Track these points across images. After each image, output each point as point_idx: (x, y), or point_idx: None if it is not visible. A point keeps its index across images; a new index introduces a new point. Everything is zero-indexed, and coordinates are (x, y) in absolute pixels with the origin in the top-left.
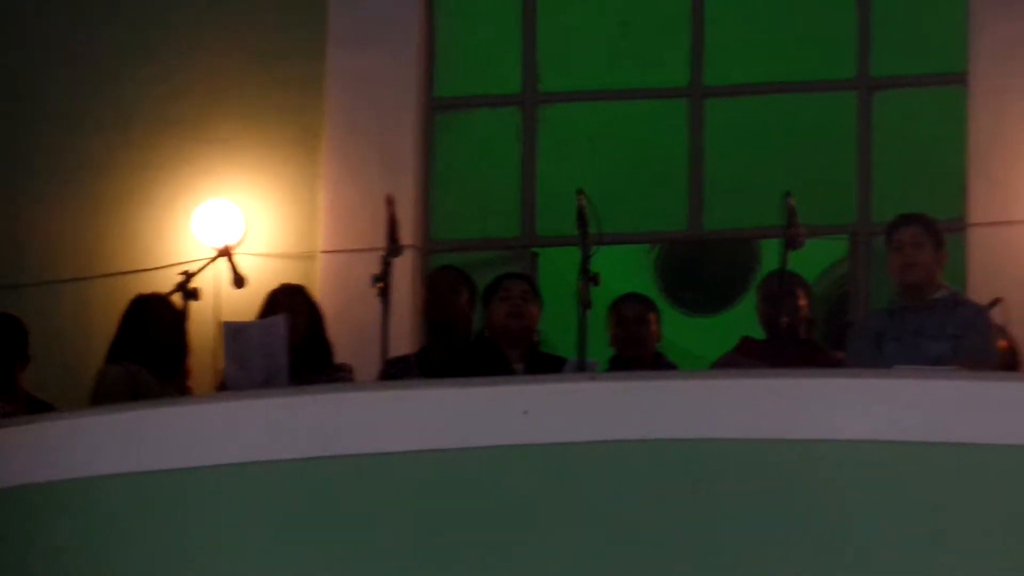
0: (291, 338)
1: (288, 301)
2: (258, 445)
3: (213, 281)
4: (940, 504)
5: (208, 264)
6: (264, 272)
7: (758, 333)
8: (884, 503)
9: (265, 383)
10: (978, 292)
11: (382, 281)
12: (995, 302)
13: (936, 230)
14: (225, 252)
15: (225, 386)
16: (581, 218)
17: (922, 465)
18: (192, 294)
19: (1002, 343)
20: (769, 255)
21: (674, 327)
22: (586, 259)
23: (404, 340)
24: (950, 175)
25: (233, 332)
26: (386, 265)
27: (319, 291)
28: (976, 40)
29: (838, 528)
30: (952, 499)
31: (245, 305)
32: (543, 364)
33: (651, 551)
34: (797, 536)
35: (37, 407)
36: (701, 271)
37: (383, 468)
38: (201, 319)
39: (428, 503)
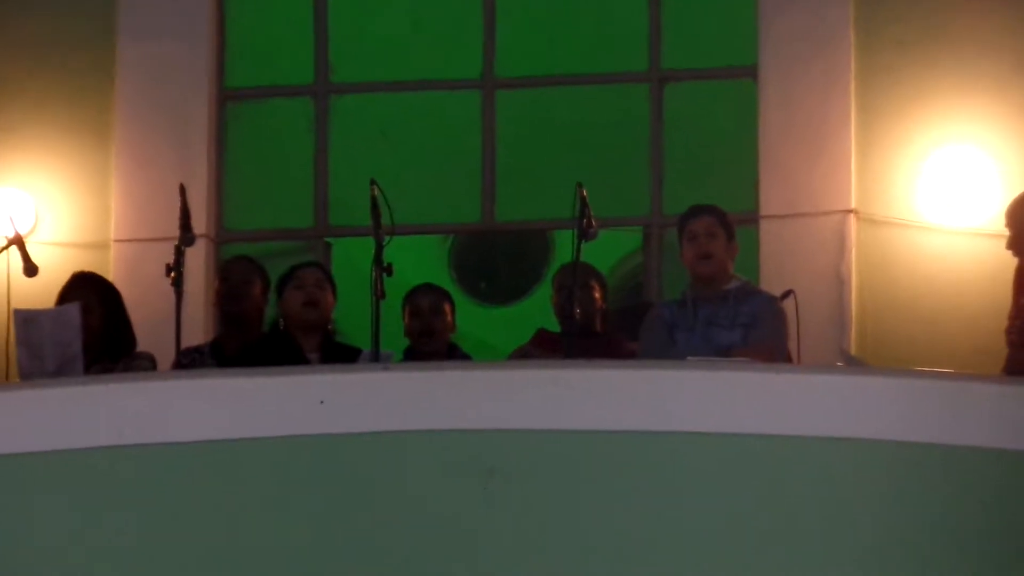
0: (86, 327)
1: (84, 289)
2: (49, 434)
3: (5, 270)
4: (726, 495)
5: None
6: (56, 261)
7: (553, 324)
8: (680, 495)
9: (58, 372)
10: (770, 284)
11: (175, 271)
12: (787, 294)
13: (728, 222)
14: (16, 240)
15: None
16: (374, 208)
17: (717, 456)
18: None
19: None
20: (563, 246)
21: (469, 318)
22: (379, 249)
23: (198, 330)
24: (741, 167)
25: (24, 320)
26: (179, 254)
27: (112, 280)
28: (765, 33)
29: (634, 521)
30: (737, 490)
31: (37, 294)
32: (338, 354)
33: (441, 541)
34: (592, 528)
35: None
36: (495, 262)
37: (176, 458)
38: None
39: (222, 493)
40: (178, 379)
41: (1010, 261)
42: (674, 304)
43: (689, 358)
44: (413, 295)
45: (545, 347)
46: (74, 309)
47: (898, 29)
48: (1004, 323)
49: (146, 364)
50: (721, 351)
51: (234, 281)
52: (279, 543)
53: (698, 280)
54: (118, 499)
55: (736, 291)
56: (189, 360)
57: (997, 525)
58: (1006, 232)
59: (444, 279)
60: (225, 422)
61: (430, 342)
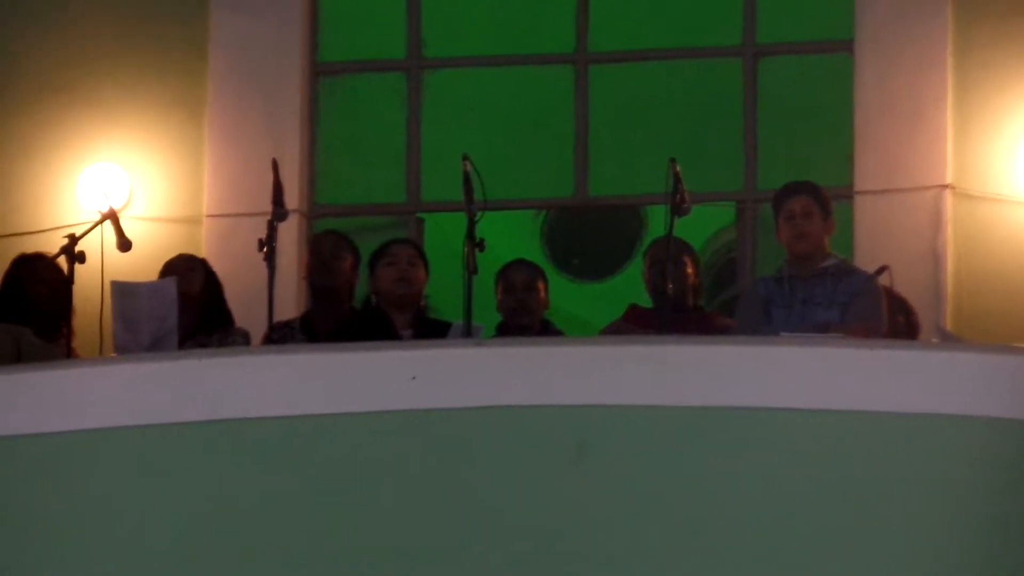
0: (186, 301)
1: (184, 268)
2: (143, 409)
3: (99, 245)
4: (832, 471)
5: (93, 227)
6: (150, 236)
7: (645, 300)
8: (774, 470)
9: (152, 346)
10: (865, 259)
11: (267, 246)
12: (881, 270)
13: (825, 199)
14: (111, 215)
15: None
16: (467, 184)
17: (813, 432)
18: (78, 257)
19: (900, 317)
20: (655, 221)
21: (561, 293)
22: (472, 225)
23: (290, 305)
24: (836, 143)
25: (121, 292)
26: (271, 229)
27: (204, 255)
28: (862, 7)
29: (728, 496)
30: (844, 466)
31: (131, 269)
32: (430, 330)
33: (533, 517)
34: (686, 504)
35: None
36: (587, 237)
37: (269, 433)
38: (87, 283)
39: (315, 468)
40: (269, 354)
41: None
42: (771, 280)
43: (783, 334)
44: (506, 271)
45: (638, 323)
46: (171, 283)
47: (997, 3)
48: None
49: (240, 340)
50: (818, 329)
51: (324, 255)
52: (370, 516)
53: (794, 259)
54: (211, 474)
55: (833, 269)
56: (279, 335)
57: None
58: None
59: (536, 254)
60: (317, 397)
61: (523, 318)
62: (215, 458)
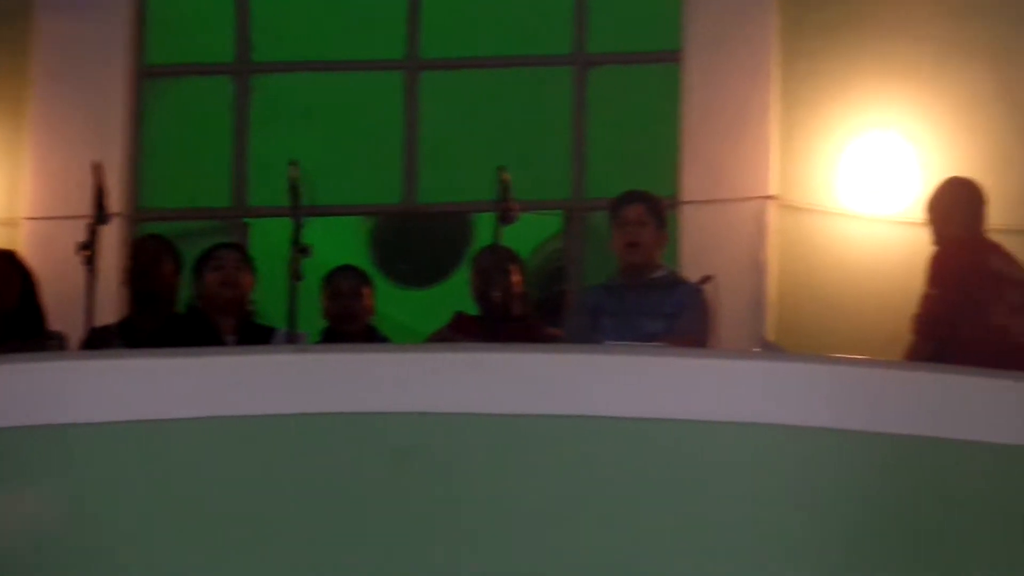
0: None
1: (2, 265)
2: None
3: None
4: (656, 479)
5: None
6: None
7: (472, 308)
8: (598, 478)
9: None
10: (689, 269)
11: (88, 249)
12: (705, 279)
13: (659, 209)
14: None
15: None
16: (293, 189)
17: (637, 440)
18: None
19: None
20: (483, 229)
21: (388, 300)
22: (298, 230)
23: (112, 310)
24: (663, 152)
25: None
26: (92, 233)
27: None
28: (690, 18)
29: (552, 504)
30: (669, 474)
31: None
32: (255, 335)
33: (354, 523)
34: (510, 512)
35: None
36: (415, 244)
37: (87, 438)
38: None
39: (136, 474)
40: (87, 359)
41: (924, 247)
42: (601, 289)
43: (608, 343)
44: (332, 277)
45: (463, 331)
46: None
47: (822, 15)
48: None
49: (56, 344)
50: (646, 339)
51: (143, 259)
52: (191, 524)
53: (625, 268)
54: (24, 481)
55: (662, 280)
56: (98, 339)
57: (908, 509)
58: (925, 219)
59: (363, 261)
60: (138, 403)
61: (348, 324)
62: (28, 465)
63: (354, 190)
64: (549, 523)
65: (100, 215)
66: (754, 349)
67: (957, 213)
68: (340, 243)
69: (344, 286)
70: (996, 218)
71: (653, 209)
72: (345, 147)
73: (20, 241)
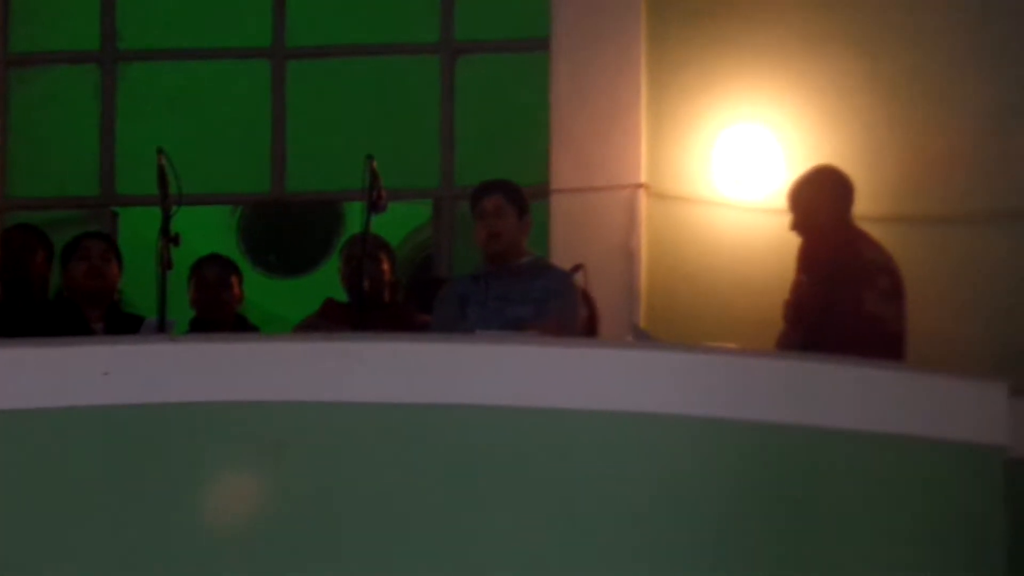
0: None
1: None
2: None
3: None
4: (524, 469)
5: None
6: None
7: (342, 296)
8: (467, 468)
9: None
10: (560, 257)
11: None
12: (576, 268)
13: (520, 196)
14: None
15: None
16: (161, 178)
17: (505, 429)
18: None
19: (583, 312)
20: (353, 218)
21: (257, 289)
22: (166, 219)
23: None
24: (533, 140)
25: None
26: None
27: None
28: (558, 6)
29: (420, 494)
30: (536, 464)
31: None
32: (124, 324)
33: (228, 516)
34: (374, 501)
35: None
36: (284, 233)
37: None
38: None
39: (3, 463)
40: None
41: (793, 235)
42: (468, 279)
43: (479, 331)
44: (199, 266)
45: (333, 318)
46: None
47: (689, 3)
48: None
49: None
50: (513, 325)
51: (14, 249)
52: (59, 517)
53: (488, 257)
54: None
55: (529, 266)
56: None
57: (777, 498)
58: (788, 208)
59: (232, 250)
60: (5, 392)
61: (216, 313)
62: None
63: (223, 179)
64: (414, 512)
65: None
66: (626, 337)
67: (823, 201)
68: (209, 232)
69: (211, 275)
70: (865, 207)
71: (512, 198)
72: (213, 135)
73: None
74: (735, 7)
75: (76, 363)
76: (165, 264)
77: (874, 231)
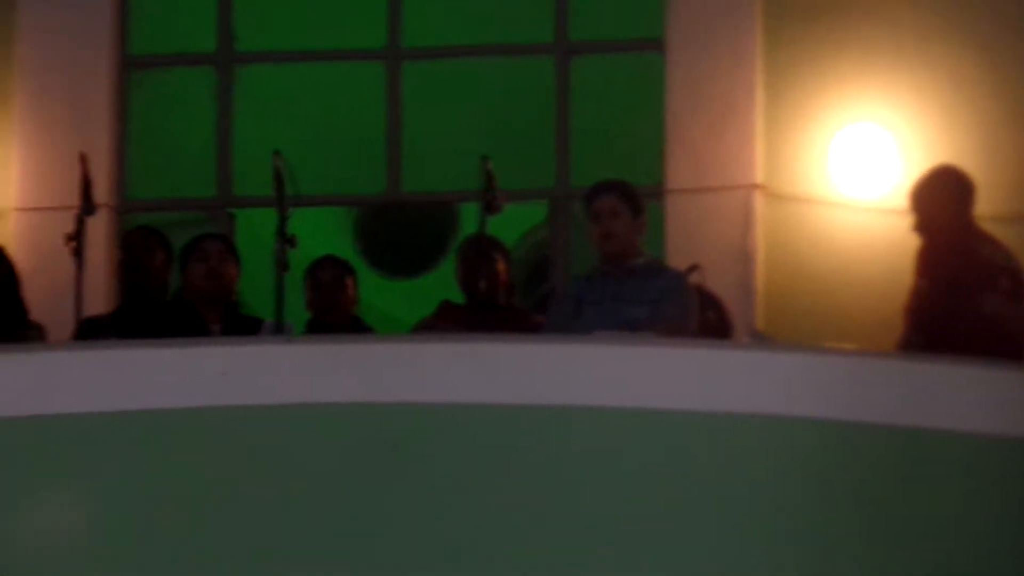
0: None
1: None
2: None
3: None
4: (641, 470)
5: None
6: None
7: (458, 297)
8: (583, 468)
9: None
10: (676, 258)
11: (75, 240)
12: (692, 268)
13: (634, 197)
14: None
15: None
16: (278, 179)
17: (622, 431)
18: None
19: (712, 314)
20: (468, 219)
21: (373, 290)
22: (283, 221)
23: (100, 301)
24: (648, 141)
25: None
26: (80, 224)
27: (12, 249)
28: (673, 6)
29: (538, 494)
30: (653, 465)
31: None
32: (241, 326)
33: (347, 515)
34: (494, 502)
35: None
36: (400, 234)
37: (78, 429)
38: None
39: (124, 464)
40: (77, 350)
41: (912, 235)
42: (583, 279)
43: (595, 332)
44: (314, 268)
45: (449, 320)
46: None
47: (805, 2)
48: (905, 298)
49: (35, 335)
50: (628, 326)
51: (135, 251)
52: (180, 517)
53: (603, 258)
54: (15, 472)
55: (644, 267)
56: (90, 330)
57: (896, 500)
58: (909, 208)
59: (349, 251)
60: (125, 394)
61: (331, 315)
62: (21, 455)
63: (339, 180)
64: (534, 514)
65: (87, 206)
66: (744, 339)
67: (944, 202)
68: (325, 233)
69: (326, 277)
70: (984, 206)
71: (626, 198)
72: (329, 137)
73: (8, 232)
74: (850, 6)
75: (194, 364)
76: (281, 266)
77: (992, 230)
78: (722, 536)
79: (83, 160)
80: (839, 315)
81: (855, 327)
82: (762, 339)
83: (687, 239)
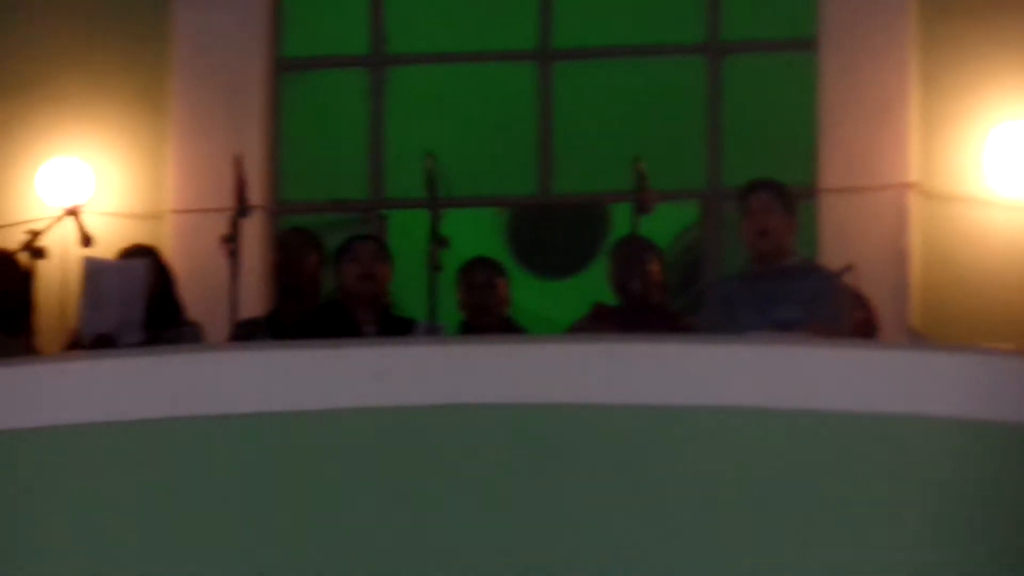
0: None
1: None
2: (107, 405)
3: (61, 240)
4: (795, 471)
5: (55, 223)
6: (113, 231)
7: (609, 298)
8: (733, 470)
9: (118, 328)
10: (829, 258)
11: (231, 242)
12: (846, 268)
13: (787, 195)
14: (73, 211)
15: (76, 341)
16: (430, 181)
17: (777, 431)
18: (39, 253)
19: (858, 313)
20: (620, 220)
21: (525, 291)
22: (435, 222)
23: (254, 302)
24: (801, 140)
25: (91, 270)
26: (235, 226)
27: (168, 251)
28: (826, 5)
29: (688, 496)
30: (807, 466)
31: None
32: (395, 327)
33: (497, 516)
34: (641, 503)
35: None
36: (552, 235)
37: (233, 430)
38: (49, 278)
39: (278, 465)
40: (234, 350)
41: None
42: (735, 279)
43: (748, 333)
44: (466, 269)
45: (603, 321)
46: (141, 264)
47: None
48: None
49: (192, 334)
50: (781, 327)
51: (289, 252)
52: (335, 517)
53: (756, 256)
54: (174, 471)
55: (796, 267)
56: (245, 332)
57: None
58: None
59: (500, 252)
60: (280, 394)
61: (484, 316)
62: (178, 455)
63: (490, 181)
64: (690, 514)
65: (241, 208)
66: (901, 339)
67: None
68: (477, 234)
69: (478, 278)
70: None
71: (780, 196)
72: (480, 138)
73: (165, 234)
74: (1005, 3)
75: (347, 365)
76: (434, 267)
77: None
78: (877, 540)
79: (238, 162)
80: (995, 314)
81: (1011, 326)
82: (919, 339)
83: (840, 239)
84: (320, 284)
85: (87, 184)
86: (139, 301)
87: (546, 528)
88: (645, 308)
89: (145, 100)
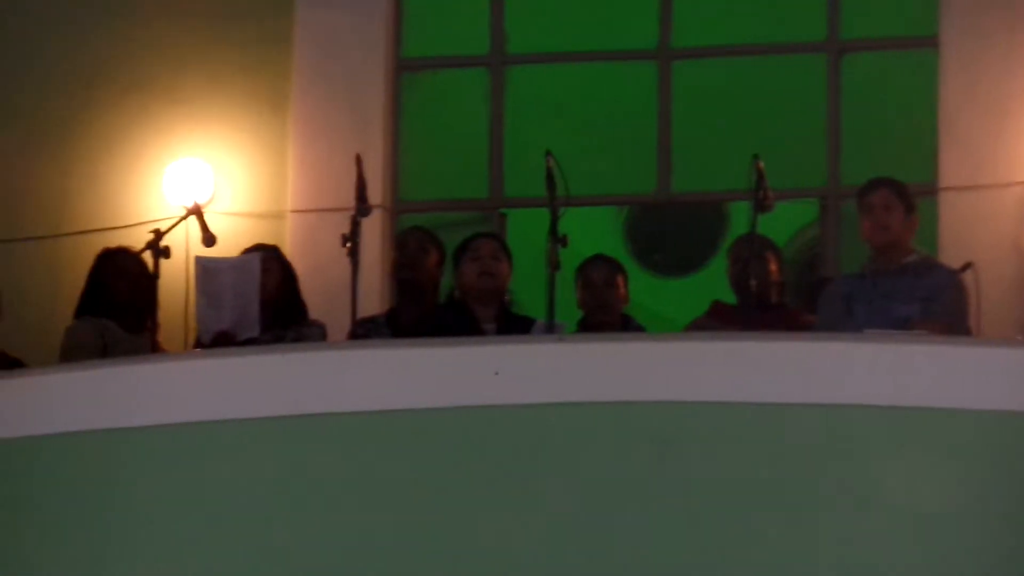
0: (263, 290)
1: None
2: (229, 403)
3: (184, 240)
4: (916, 469)
5: (178, 223)
6: (234, 231)
7: (727, 296)
8: (855, 468)
9: (235, 324)
10: (949, 256)
11: (351, 241)
12: (966, 267)
13: (907, 194)
14: (195, 211)
15: (197, 339)
16: (549, 179)
17: (894, 430)
18: (162, 252)
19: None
20: (738, 218)
21: (643, 289)
22: (554, 221)
23: (374, 300)
24: (921, 138)
25: (205, 269)
26: (355, 225)
27: (289, 250)
28: (947, 2)
29: (809, 494)
30: (916, 463)
31: None
32: (514, 325)
33: (617, 514)
34: (768, 502)
35: (8, 364)
36: (670, 233)
37: (354, 428)
38: (171, 277)
39: (398, 463)
40: (354, 349)
41: None
42: (853, 277)
43: (866, 331)
44: (585, 267)
45: (721, 320)
46: (255, 260)
47: None
48: None
49: (317, 333)
50: (899, 324)
51: (410, 251)
52: (453, 513)
53: (876, 253)
54: (295, 468)
55: (915, 264)
56: (365, 330)
57: None
58: None
59: (619, 250)
60: (400, 392)
61: (602, 314)
62: (299, 453)
63: (609, 180)
64: (808, 511)
65: (362, 207)
66: (1018, 337)
67: None
68: (595, 233)
69: (597, 276)
70: None
71: (900, 194)
72: (599, 137)
73: (286, 233)
74: None
75: (467, 363)
76: (553, 265)
77: None
78: (1011, 538)
79: (358, 162)
80: None
81: None
82: None
83: (961, 237)
84: (439, 283)
85: (209, 184)
86: (254, 297)
87: (668, 524)
88: (764, 306)
89: (266, 100)
